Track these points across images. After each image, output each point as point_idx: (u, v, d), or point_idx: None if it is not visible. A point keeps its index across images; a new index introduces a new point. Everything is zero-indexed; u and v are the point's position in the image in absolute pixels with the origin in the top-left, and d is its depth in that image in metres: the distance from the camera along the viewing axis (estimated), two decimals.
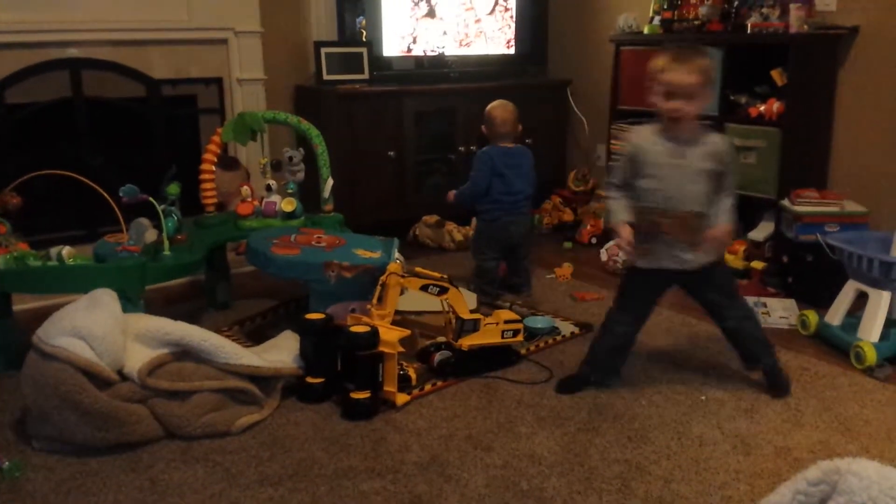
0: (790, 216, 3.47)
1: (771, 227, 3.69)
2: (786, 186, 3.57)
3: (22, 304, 2.97)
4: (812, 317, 3.09)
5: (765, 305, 3.34)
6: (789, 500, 1.18)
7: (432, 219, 4.41)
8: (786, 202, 3.51)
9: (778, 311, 3.30)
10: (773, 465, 2.20)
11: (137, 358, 2.29)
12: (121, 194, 2.76)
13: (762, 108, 3.67)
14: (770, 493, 1.29)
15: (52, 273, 2.64)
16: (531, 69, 5.06)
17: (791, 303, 3.36)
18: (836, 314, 3.00)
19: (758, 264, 3.66)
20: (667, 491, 2.07)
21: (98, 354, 2.20)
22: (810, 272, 3.38)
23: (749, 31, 3.71)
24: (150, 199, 2.79)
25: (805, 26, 3.58)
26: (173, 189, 3.02)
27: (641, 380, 2.73)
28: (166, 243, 2.85)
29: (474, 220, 4.37)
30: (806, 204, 3.43)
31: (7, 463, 2.14)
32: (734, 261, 3.74)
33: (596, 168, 4.86)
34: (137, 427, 2.17)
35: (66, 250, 2.67)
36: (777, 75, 3.64)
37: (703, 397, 2.60)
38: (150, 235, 2.91)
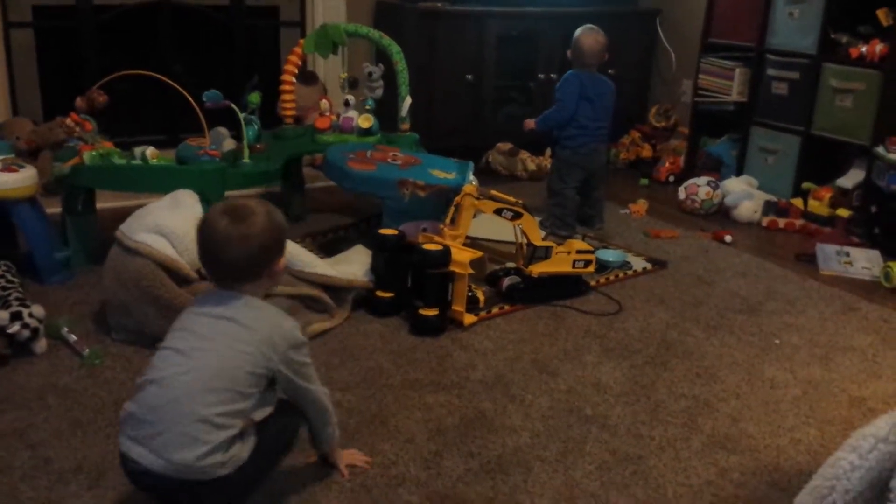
0: (883, 164, 3.31)
1: (861, 175, 3.53)
2: (882, 133, 3.40)
3: (103, 202, 3.04)
4: None
5: (847, 255, 3.22)
6: (885, 433, 1.15)
7: (506, 146, 4.34)
8: (880, 149, 3.35)
9: (861, 262, 3.18)
10: (846, 413, 2.14)
11: None
12: (204, 99, 2.78)
13: (864, 48, 3.48)
14: (865, 426, 1.25)
15: (136, 171, 2.69)
16: None
17: (875, 254, 3.23)
18: None
19: (844, 212, 3.53)
20: (734, 429, 2.04)
21: (179, 252, 2.25)
22: None
23: None
24: (232, 105, 2.81)
25: None
26: (254, 98, 3.04)
27: (714, 320, 2.68)
28: (246, 151, 2.87)
29: (549, 151, 4.30)
30: None
31: (87, 350, 2.24)
32: (819, 207, 3.61)
33: (680, 104, 4.70)
34: None
35: (149, 150, 2.71)
36: (883, 15, 3.44)
37: (777, 341, 2.54)
38: (228, 144, 2.95)
